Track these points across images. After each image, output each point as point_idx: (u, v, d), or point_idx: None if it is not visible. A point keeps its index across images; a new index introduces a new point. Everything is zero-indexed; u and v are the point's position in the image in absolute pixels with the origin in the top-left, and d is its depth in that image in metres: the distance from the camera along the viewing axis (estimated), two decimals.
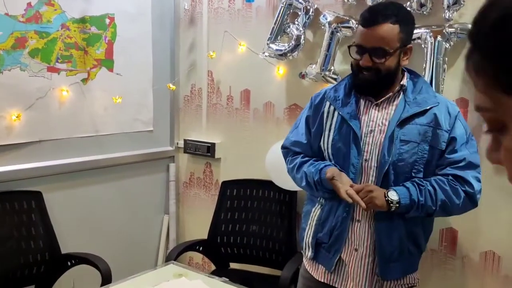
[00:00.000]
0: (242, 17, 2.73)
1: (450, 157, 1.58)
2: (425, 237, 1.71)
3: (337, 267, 1.68)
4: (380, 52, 1.54)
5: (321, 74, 2.33)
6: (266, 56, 2.51)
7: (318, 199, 1.73)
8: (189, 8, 2.95)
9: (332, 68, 2.33)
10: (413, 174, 1.58)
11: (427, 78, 2.02)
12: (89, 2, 2.53)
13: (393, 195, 1.52)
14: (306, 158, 1.75)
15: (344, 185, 1.55)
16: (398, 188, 1.55)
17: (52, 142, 2.46)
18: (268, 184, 2.51)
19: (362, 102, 1.67)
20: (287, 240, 2.48)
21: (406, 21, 1.58)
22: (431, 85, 2.01)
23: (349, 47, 1.60)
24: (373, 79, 1.58)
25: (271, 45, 2.47)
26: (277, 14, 2.44)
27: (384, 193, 1.53)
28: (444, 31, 2.01)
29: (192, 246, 2.54)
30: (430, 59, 2.03)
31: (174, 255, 2.33)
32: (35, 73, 2.34)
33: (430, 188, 1.55)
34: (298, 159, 1.76)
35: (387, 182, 1.58)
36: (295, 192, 2.49)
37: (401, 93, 1.64)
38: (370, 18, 1.55)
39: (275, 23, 2.44)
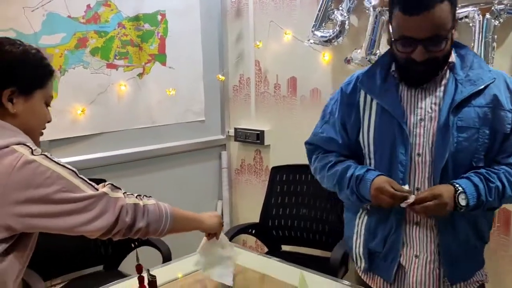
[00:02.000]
0: (286, 6, 2.78)
1: None
2: (489, 227, 1.50)
3: (398, 276, 1.46)
4: (437, 41, 1.29)
5: (366, 58, 2.35)
6: (311, 43, 2.56)
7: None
8: (235, 0, 3.04)
9: (378, 51, 2.34)
10: (473, 164, 1.36)
11: None
12: (142, 0, 2.68)
13: (462, 200, 1.31)
14: (342, 158, 1.53)
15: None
16: (466, 187, 1.32)
17: (113, 134, 2.65)
18: None
19: (403, 86, 1.43)
20: (337, 223, 2.54)
21: None
22: None
23: (393, 42, 1.34)
24: (430, 70, 1.36)
25: (316, 32, 2.51)
26: (321, 1, 2.47)
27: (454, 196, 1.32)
28: (493, 8, 1.97)
29: (245, 229, 2.66)
30: (479, 38, 2.00)
31: (228, 238, 2.43)
32: (96, 70, 2.53)
33: (498, 184, 1.34)
34: (333, 158, 1.53)
35: (446, 178, 1.35)
36: None
37: (448, 70, 1.41)
38: (418, 2, 1.26)
39: (319, 10, 2.48)
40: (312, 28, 2.51)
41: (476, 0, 2.03)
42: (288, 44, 2.78)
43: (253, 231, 2.69)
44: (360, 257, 1.53)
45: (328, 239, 2.55)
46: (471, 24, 2.03)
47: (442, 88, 1.39)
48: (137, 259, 1.40)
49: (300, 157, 2.74)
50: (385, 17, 2.29)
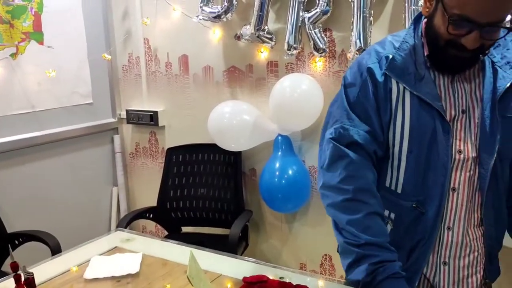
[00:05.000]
0: None
1: None
2: None
3: None
4: (496, 28, 1.06)
5: (255, 34, 2.36)
6: (200, 19, 2.51)
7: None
8: None
9: (266, 27, 2.36)
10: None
11: (355, 32, 2.10)
12: None
13: None
14: (376, 210, 1.18)
15: None
16: None
17: None
18: (212, 147, 2.55)
19: (436, 73, 1.19)
20: (235, 199, 2.56)
21: None
22: (360, 39, 2.09)
23: (450, 20, 1.06)
24: (474, 59, 1.15)
25: (204, 8, 2.46)
26: None
27: None
28: None
29: (142, 214, 2.57)
30: (357, 13, 2.09)
31: (124, 224, 2.34)
32: None
33: None
34: (372, 202, 1.17)
35: (495, 177, 1.19)
36: (239, 152, 2.55)
37: None
38: None
39: None
40: (201, 3, 2.46)
41: None
42: (178, 21, 2.69)
43: (151, 215, 2.61)
44: None
45: (227, 217, 2.56)
46: (350, 0, 2.12)
47: (480, 73, 1.19)
48: (11, 257, 1.27)
49: (196, 136, 2.71)
50: None
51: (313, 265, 2.56)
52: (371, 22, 2.10)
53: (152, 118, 2.88)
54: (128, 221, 2.39)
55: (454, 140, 1.17)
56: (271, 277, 1.38)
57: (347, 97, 1.24)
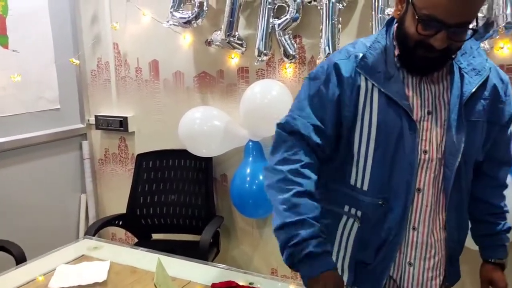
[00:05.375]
0: None
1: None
2: None
3: None
4: (464, 29, 1.11)
5: (226, 40, 2.37)
6: (170, 24, 2.50)
7: (347, 209, 1.28)
8: None
9: (237, 33, 2.37)
10: (477, 160, 1.28)
11: (324, 39, 2.13)
12: None
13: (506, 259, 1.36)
14: (314, 190, 1.19)
15: None
16: (503, 253, 1.36)
17: None
18: (183, 153, 2.53)
19: (405, 73, 1.22)
20: (206, 205, 2.55)
21: None
22: (329, 46, 2.13)
23: (419, 20, 1.09)
24: (442, 59, 1.18)
25: (174, 13, 2.45)
26: None
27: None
28: None
29: (111, 221, 2.53)
30: (326, 20, 2.13)
31: (92, 232, 2.30)
32: None
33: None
34: (306, 179, 1.18)
35: (459, 179, 1.24)
36: (210, 158, 2.55)
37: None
38: None
39: None
40: (171, 8, 2.45)
41: None
42: (148, 26, 2.67)
43: (120, 223, 2.57)
44: (342, 270, 1.31)
45: (198, 223, 2.55)
46: (319, 8, 2.15)
47: (448, 77, 1.24)
48: None
49: (166, 142, 2.69)
50: None
51: (284, 270, 2.57)
52: (339, 29, 2.14)
53: (121, 124, 2.84)
54: (96, 229, 2.35)
55: (420, 141, 1.21)
56: (241, 283, 1.38)
57: (308, 90, 1.26)
